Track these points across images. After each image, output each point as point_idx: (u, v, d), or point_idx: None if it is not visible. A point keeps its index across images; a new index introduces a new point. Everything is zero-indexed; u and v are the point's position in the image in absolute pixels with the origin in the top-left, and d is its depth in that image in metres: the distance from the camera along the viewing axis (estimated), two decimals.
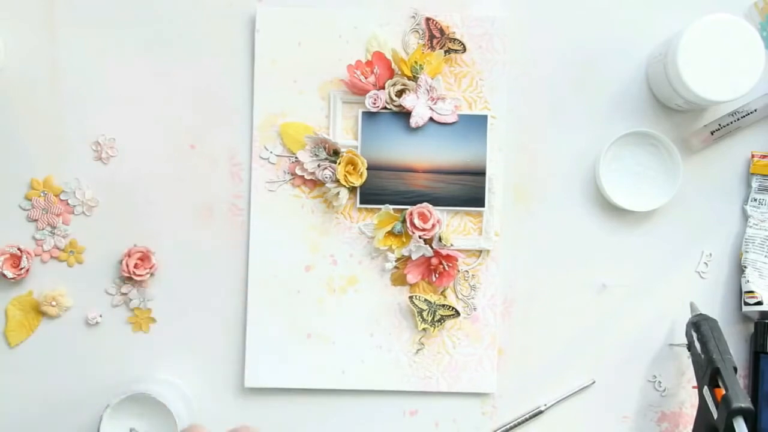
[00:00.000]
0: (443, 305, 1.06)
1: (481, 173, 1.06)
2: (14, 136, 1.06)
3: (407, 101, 1.05)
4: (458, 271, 1.06)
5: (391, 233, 1.06)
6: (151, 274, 1.06)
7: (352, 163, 1.05)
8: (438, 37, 1.06)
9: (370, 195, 1.06)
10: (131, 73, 1.06)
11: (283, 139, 1.06)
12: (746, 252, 1.07)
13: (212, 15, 1.07)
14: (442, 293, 1.07)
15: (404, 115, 1.06)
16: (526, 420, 1.07)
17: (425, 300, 1.06)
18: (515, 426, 1.07)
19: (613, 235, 1.08)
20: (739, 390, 0.94)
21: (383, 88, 1.05)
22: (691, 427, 1.02)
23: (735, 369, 0.96)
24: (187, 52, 1.07)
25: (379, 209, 1.06)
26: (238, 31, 1.07)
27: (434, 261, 1.06)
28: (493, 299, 1.07)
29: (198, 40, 1.07)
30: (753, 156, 1.08)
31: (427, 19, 1.06)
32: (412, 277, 1.06)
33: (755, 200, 1.08)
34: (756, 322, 1.06)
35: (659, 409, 1.08)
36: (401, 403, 1.07)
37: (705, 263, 1.08)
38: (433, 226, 1.05)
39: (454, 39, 1.06)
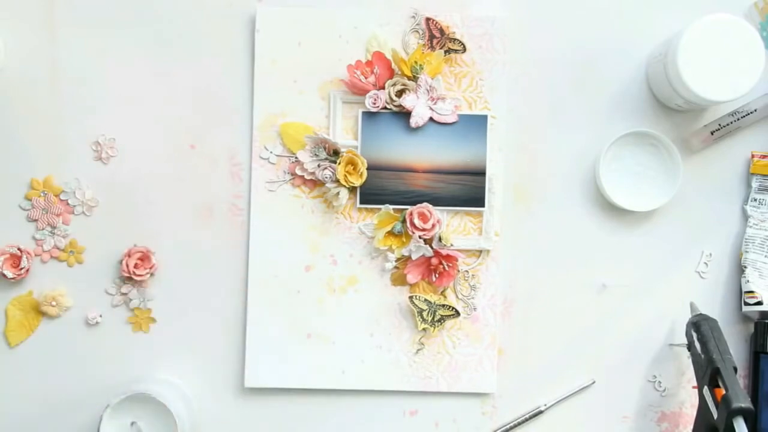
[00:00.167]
0: (443, 305, 1.06)
1: (481, 173, 1.06)
2: (14, 136, 1.06)
3: (407, 101, 1.05)
4: (458, 271, 1.06)
5: (391, 233, 1.06)
6: (151, 274, 1.06)
7: (352, 163, 1.05)
8: (438, 37, 1.06)
9: (370, 195, 1.06)
10: (131, 73, 1.06)
11: (283, 139, 1.06)
12: (746, 252, 1.07)
13: (212, 15, 1.07)
14: (442, 293, 1.07)
15: (404, 115, 1.06)
16: (526, 420, 1.07)
17: (425, 300, 1.06)
18: (515, 426, 1.07)
19: (613, 235, 1.08)
20: (739, 390, 0.94)
21: (383, 88, 1.05)
22: (691, 427, 1.02)
23: (735, 369, 0.96)
24: (187, 52, 1.07)
25: (379, 209, 1.06)
26: (238, 31, 1.07)
27: (434, 261, 1.06)
28: (493, 299, 1.07)
29: (198, 40, 1.07)
30: (753, 156, 1.08)
31: (427, 19, 1.06)
32: (412, 277, 1.06)
33: (755, 200, 1.08)
34: (756, 322, 1.06)
35: (659, 409, 1.08)
36: (401, 403, 1.07)
37: (705, 263, 1.08)
38: (433, 226, 1.05)
39: (454, 39, 1.06)
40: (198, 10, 1.07)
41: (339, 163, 1.04)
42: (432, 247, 1.06)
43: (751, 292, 1.05)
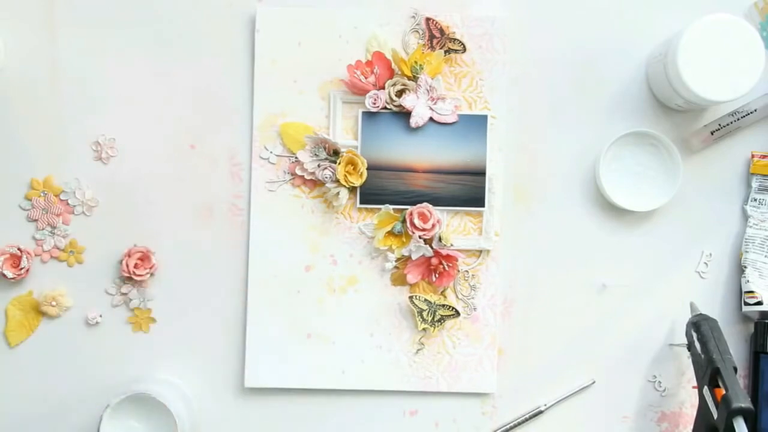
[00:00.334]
0: (443, 305, 1.06)
1: (481, 173, 1.06)
2: (14, 136, 1.06)
3: (407, 101, 1.05)
4: (458, 271, 1.06)
5: (391, 233, 1.06)
6: (151, 274, 1.06)
7: (352, 163, 1.05)
8: (438, 37, 1.06)
9: (370, 195, 1.06)
10: (131, 73, 1.06)
11: (283, 139, 1.06)
12: (746, 252, 1.07)
13: (212, 15, 1.07)
14: (442, 293, 1.07)
15: (404, 115, 1.06)
16: (526, 420, 1.07)
17: (425, 300, 1.06)
18: (515, 426, 1.07)
19: (613, 235, 1.08)
20: (739, 390, 0.94)
21: (383, 88, 1.05)
22: (691, 427, 1.02)
23: (735, 369, 0.96)
24: (187, 52, 1.07)
25: (379, 209, 1.06)
26: (238, 31, 1.07)
27: (434, 261, 1.06)
28: (493, 299, 1.07)
29: (198, 40, 1.07)
30: (753, 156, 1.08)
31: (427, 19, 1.06)
32: (412, 277, 1.06)
33: (755, 200, 1.08)
34: (756, 322, 1.06)
35: (659, 409, 1.08)
36: (401, 403, 1.07)
37: (705, 263, 1.08)
38: (433, 226, 1.05)
39: (454, 39, 1.06)
40: (198, 10, 1.07)
41: (339, 163, 1.04)
42: (432, 247, 1.06)
43: (751, 292, 1.05)
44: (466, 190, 1.06)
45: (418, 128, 1.06)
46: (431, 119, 1.06)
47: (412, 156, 1.06)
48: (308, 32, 1.06)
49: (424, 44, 1.06)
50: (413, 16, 1.06)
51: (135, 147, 1.06)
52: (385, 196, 1.06)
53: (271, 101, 1.06)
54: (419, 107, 1.05)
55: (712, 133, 1.07)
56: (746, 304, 1.05)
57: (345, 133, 1.06)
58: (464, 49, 1.06)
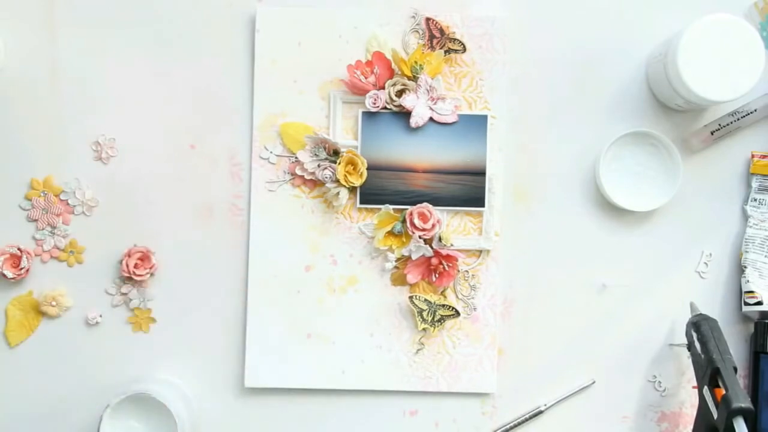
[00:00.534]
0: (443, 305, 1.06)
1: (481, 173, 1.06)
2: (14, 136, 1.06)
3: (407, 101, 1.05)
4: (458, 271, 1.06)
5: (391, 233, 1.06)
6: (151, 274, 1.06)
7: (352, 163, 1.05)
8: (438, 37, 1.06)
9: (370, 195, 1.06)
10: (131, 73, 1.06)
11: (283, 139, 1.06)
12: (746, 252, 1.07)
13: (212, 15, 1.07)
14: (442, 293, 1.07)
15: (404, 115, 1.06)
16: (526, 420, 1.07)
17: (425, 300, 1.06)
18: (515, 426, 1.07)
19: (613, 235, 1.08)
20: (739, 390, 0.94)
21: (383, 88, 1.05)
22: (691, 427, 1.02)
23: (735, 369, 0.96)
24: (187, 52, 1.07)
25: (379, 209, 1.06)
26: (238, 31, 1.07)
27: (434, 261, 1.06)
28: (493, 299, 1.07)
29: (198, 40, 1.07)
30: (753, 156, 1.08)
31: (427, 19, 1.06)
32: (412, 277, 1.06)
33: (755, 200, 1.08)
34: (756, 322, 1.06)
35: (659, 409, 1.08)
36: (401, 403, 1.07)
37: (705, 263, 1.08)
38: (433, 226, 1.05)
39: (454, 39, 1.06)
40: (198, 10, 1.07)
41: (339, 163, 1.04)
42: (432, 247, 1.06)
43: (751, 292, 1.05)
44: (466, 190, 1.06)
45: (418, 128, 1.06)
46: (431, 119, 1.06)
47: (412, 156, 1.06)
48: (308, 32, 1.06)
49: (424, 44, 1.06)
50: (413, 16, 1.06)
51: (135, 147, 1.06)
52: (385, 196, 1.06)
53: (271, 101, 1.06)
54: (419, 107, 1.05)
55: (712, 133, 1.07)
56: (746, 304, 1.05)
57: (345, 133, 1.06)
58: (464, 49, 1.06)
